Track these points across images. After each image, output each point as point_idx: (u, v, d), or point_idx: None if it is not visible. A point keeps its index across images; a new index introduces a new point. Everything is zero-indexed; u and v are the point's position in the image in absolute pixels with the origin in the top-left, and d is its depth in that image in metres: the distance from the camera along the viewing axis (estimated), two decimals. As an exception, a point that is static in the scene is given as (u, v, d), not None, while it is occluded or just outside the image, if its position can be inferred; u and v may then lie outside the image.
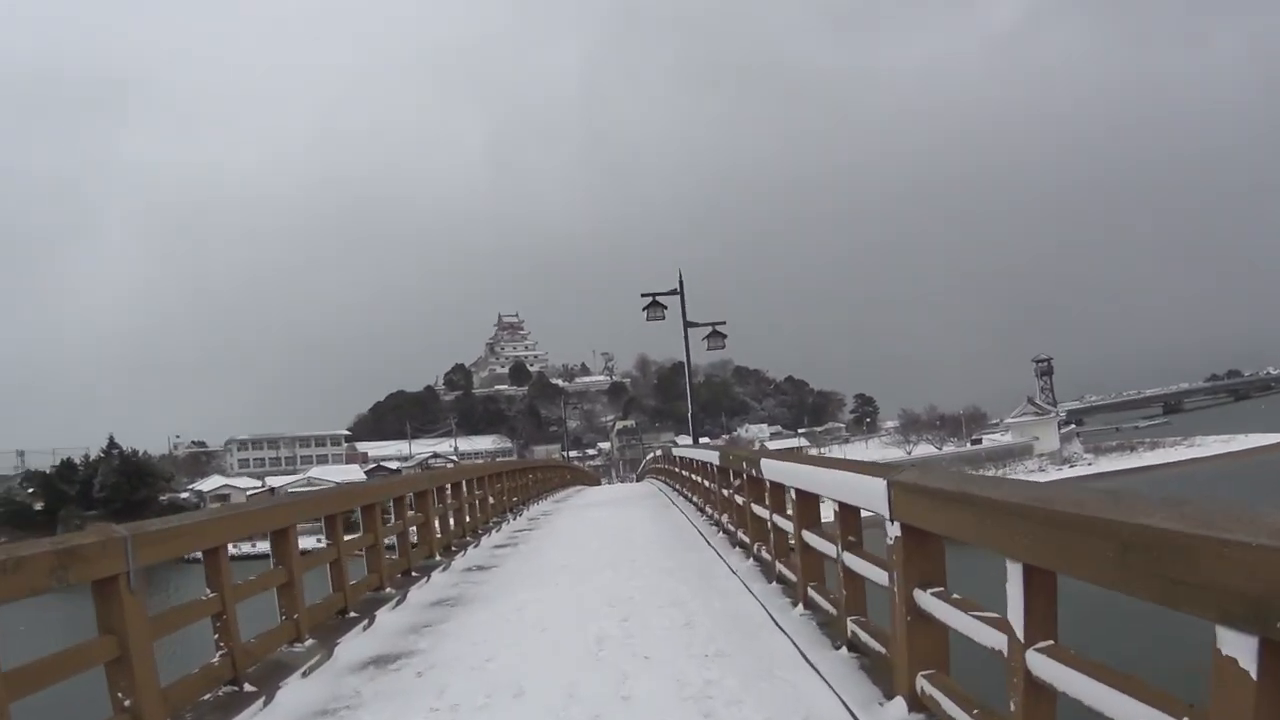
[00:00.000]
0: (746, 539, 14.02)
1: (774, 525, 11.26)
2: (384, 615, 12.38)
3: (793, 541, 10.51)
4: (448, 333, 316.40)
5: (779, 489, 11.33)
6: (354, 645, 10.64)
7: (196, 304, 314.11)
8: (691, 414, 37.55)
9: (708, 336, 35.89)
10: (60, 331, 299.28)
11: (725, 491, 16.47)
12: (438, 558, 17.08)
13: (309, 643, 10.28)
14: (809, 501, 9.53)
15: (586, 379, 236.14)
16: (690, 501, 25.19)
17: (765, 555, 12.51)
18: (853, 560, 7.84)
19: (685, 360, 35.67)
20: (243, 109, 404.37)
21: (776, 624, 9.92)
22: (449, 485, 21.54)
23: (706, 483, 20.32)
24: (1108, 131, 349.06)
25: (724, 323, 35.82)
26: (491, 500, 26.04)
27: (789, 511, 10.95)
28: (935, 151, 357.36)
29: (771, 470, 11.06)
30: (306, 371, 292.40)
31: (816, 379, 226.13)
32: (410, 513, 17.05)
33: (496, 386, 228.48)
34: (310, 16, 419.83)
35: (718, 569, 13.97)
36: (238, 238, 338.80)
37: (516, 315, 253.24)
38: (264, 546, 11.14)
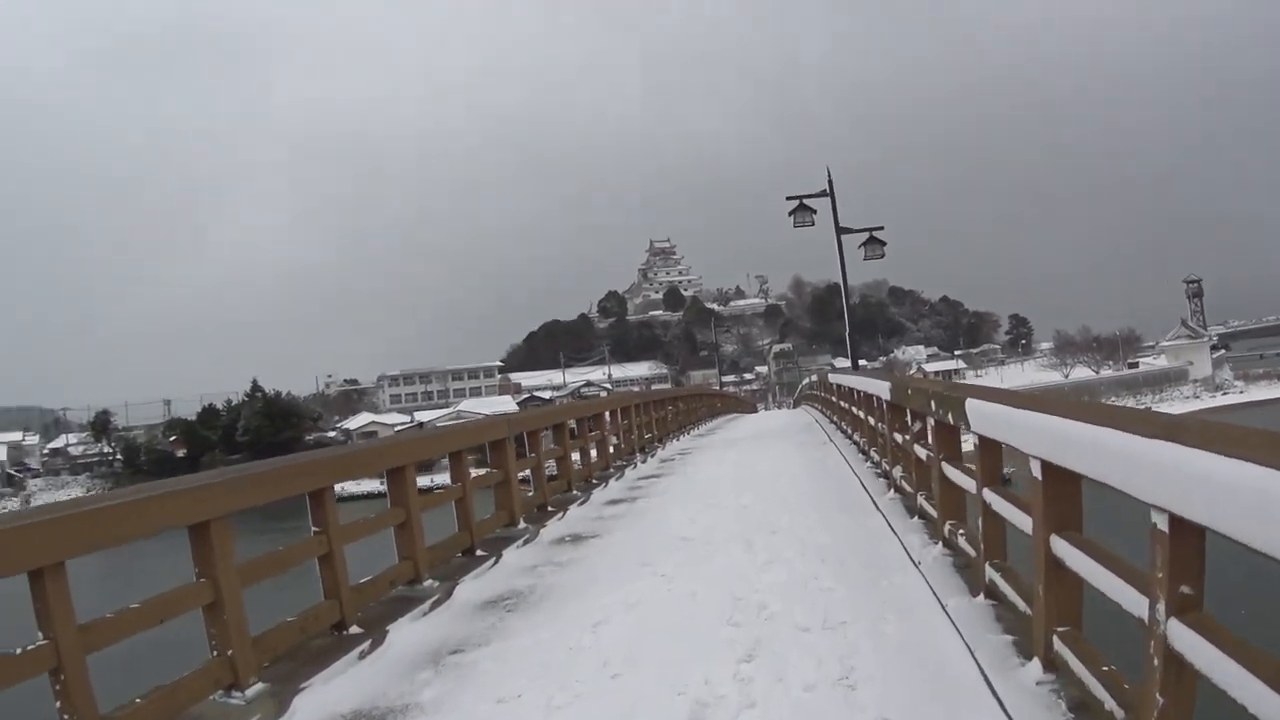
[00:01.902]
0: (932, 510, 9.87)
1: (988, 507, 6.96)
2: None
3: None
4: (601, 261, 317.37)
5: (992, 449, 7.00)
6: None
7: (349, 245, 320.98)
8: (848, 333, 33.05)
9: (864, 244, 31.25)
10: (216, 280, 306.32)
11: (899, 437, 12.33)
12: (521, 525, 13.36)
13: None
14: (1065, 485, 5.30)
15: (741, 302, 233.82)
16: (849, 439, 21.16)
17: (964, 544, 8.31)
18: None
19: (840, 269, 31.05)
20: (390, 45, 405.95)
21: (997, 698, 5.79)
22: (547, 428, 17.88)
23: (871, 419, 16.21)
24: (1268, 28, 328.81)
25: (881, 228, 31.28)
26: (616, 441, 22.51)
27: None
28: (1080, 58, 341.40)
29: (985, 418, 6.75)
30: (461, 305, 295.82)
31: (971, 299, 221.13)
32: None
33: (651, 312, 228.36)
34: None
35: (890, 555, 9.91)
36: (389, 176, 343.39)
37: (668, 240, 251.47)
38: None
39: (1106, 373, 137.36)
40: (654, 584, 9.61)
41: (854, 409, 19.88)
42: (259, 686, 6.71)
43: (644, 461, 22.83)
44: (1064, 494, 5.28)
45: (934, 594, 7.95)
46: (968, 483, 7.75)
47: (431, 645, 8.21)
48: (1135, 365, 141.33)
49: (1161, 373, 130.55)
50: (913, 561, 9.25)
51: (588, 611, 8.72)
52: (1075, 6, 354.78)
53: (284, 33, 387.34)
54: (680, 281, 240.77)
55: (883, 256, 31.01)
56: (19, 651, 5.22)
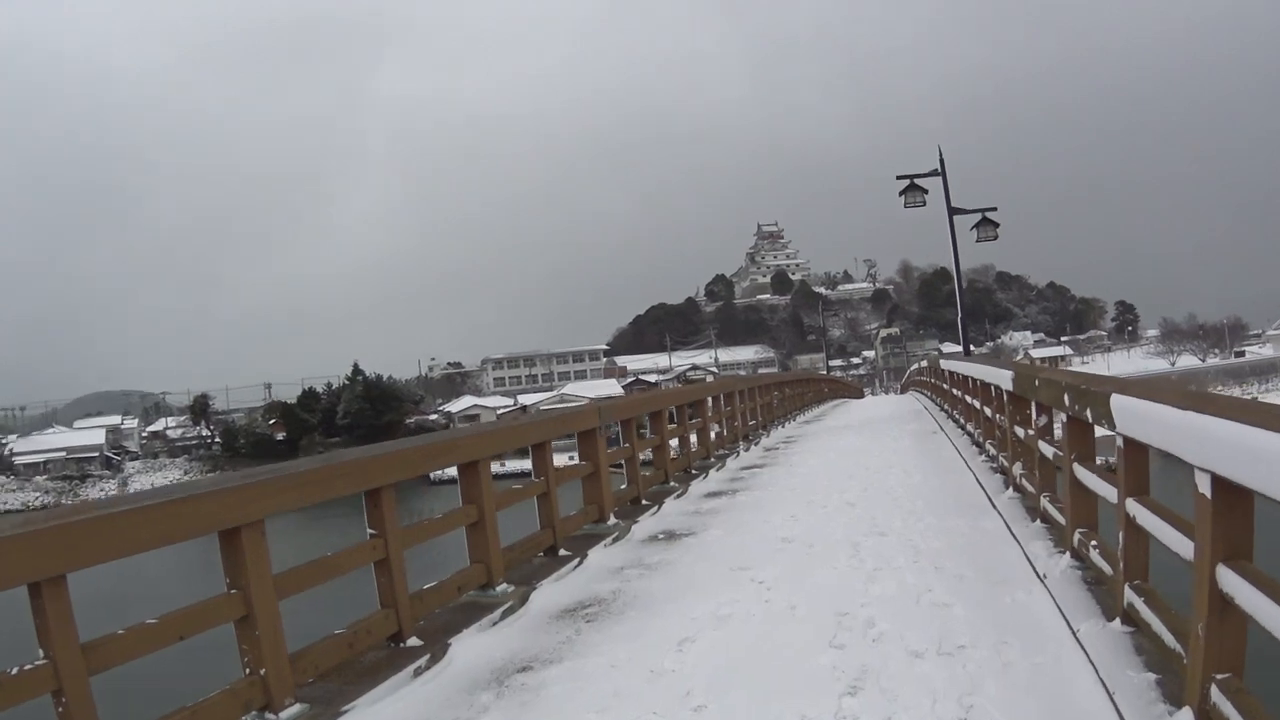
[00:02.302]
0: (1058, 515, 8.89)
1: (1132, 521, 5.99)
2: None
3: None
4: (707, 245, 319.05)
5: (1139, 454, 6.01)
6: None
7: (456, 229, 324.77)
8: (960, 318, 31.75)
9: (977, 225, 29.89)
10: (322, 266, 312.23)
11: (1020, 431, 11.32)
12: (611, 521, 12.63)
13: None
14: (1239, 505, 4.35)
15: (849, 286, 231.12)
16: (962, 428, 20.14)
17: (1097, 558, 7.28)
18: None
19: (952, 251, 29.78)
20: (494, 33, 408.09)
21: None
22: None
23: (987, 410, 15.16)
24: None
25: (994, 208, 29.87)
26: (718, 429, 21.70)
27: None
28: (1192, 31, 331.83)
29: (1137, 418, 5.70)
30: (567, 289, 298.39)
31: (1077, 285, 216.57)
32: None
33: (758, 296, 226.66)
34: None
35: (1011, 565, 8.91)
36: (495, 162, 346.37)
37: (776, 224, 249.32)
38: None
39: (1213, 361, 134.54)
40: (750, 594, 8.78)
41: (967, 397, 18.84)
42: (295, 709, 6.13)
43: (747, 450, 22.00)
44: (1236, 516, 4.34)
45: (1063, 616, 6.99)
46: (1105, 490, 6.78)
47: (497, 661, 7.49)
48: (1242, 354, 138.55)
49: (1269, 362, 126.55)
50: (1037, 575, 8.28)
51: (674, 626, 7.92)
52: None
53: (386, 25, 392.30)
54: (787, 265, 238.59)
55: (996, 238, 29.68)
56: (15, 671, 4.71)
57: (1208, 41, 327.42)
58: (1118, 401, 5.92)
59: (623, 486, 14.34)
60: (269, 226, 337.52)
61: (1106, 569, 6.84)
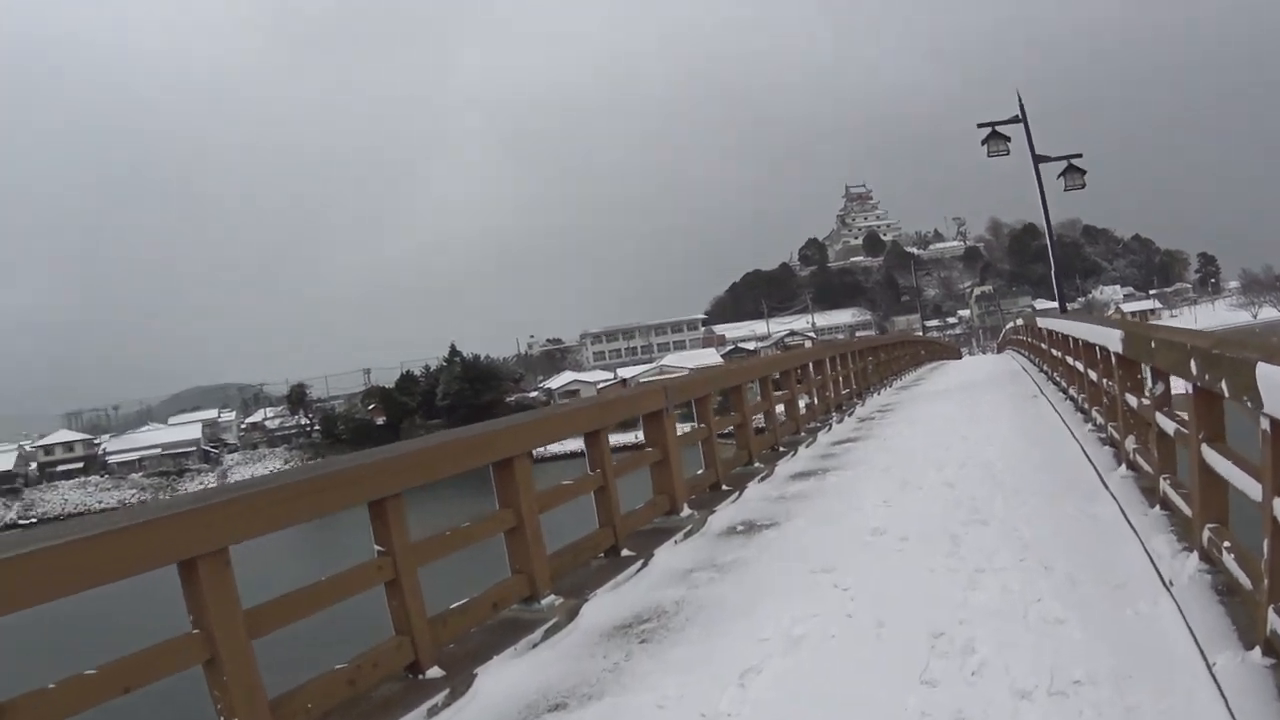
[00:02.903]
0: (1182, 504, 7.66)
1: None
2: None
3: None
4: (799, 209, 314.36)
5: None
6: None
7: (552, 205, 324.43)
8: (1054, 272, 30.08)
9: (1064, 173, 28.45)
10: (417, 248, 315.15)
11: (1132, 399, 10.06)
12: (685, 512, 11.61)
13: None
14: None
15: (940, 245, 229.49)
16: (1064, 392, 18.74)
17: (1231, 563, 6.04)
18: None
19: (1040, 200, 28.17)
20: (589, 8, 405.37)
21: None
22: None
23: (1092, 373, 13.83)
24: None
25: (1079, 155, 28.36)
26: (809, 400, 20.65)
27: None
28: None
29: None
30: (662, 261, 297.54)
31: (1160, 237, 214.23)
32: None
33: (851, 259, 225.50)
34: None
35: (1132, 566, 7.63)
36: (586, 135, 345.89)
37: (864, 185, 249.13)
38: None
39: None
40: (831, 604, 7.68)
41: (1068, 358, 17.51)
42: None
43: (840, 421, 20.85)
44: None
45: (1195, 640, 5.84)
46: (1246, 484, 5.61)
47: (528, 696, 6.53)
48: None
49: None
50: (1162, 580, 7.07)
51: (739, 649, 6.86)
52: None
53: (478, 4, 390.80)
54: (879, 226, 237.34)
55: (1083, 186, 28.14)
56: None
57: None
58: (1267, 372, 4.74)
59: (700, 472, 13.31)
60: (365, 211, 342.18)
61: (1243, 580, 5.66)
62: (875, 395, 27.44)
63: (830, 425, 20.01)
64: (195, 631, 5.23)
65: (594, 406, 11.18)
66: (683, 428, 12.84)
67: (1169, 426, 8.07)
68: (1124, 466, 10.56)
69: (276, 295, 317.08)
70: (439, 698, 6.37)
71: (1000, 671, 5.69)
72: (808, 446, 17.30)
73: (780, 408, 18.42)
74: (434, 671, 6.71)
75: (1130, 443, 10.35)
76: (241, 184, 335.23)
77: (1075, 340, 15.70)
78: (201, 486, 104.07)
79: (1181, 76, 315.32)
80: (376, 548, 6.72)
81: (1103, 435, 12.95)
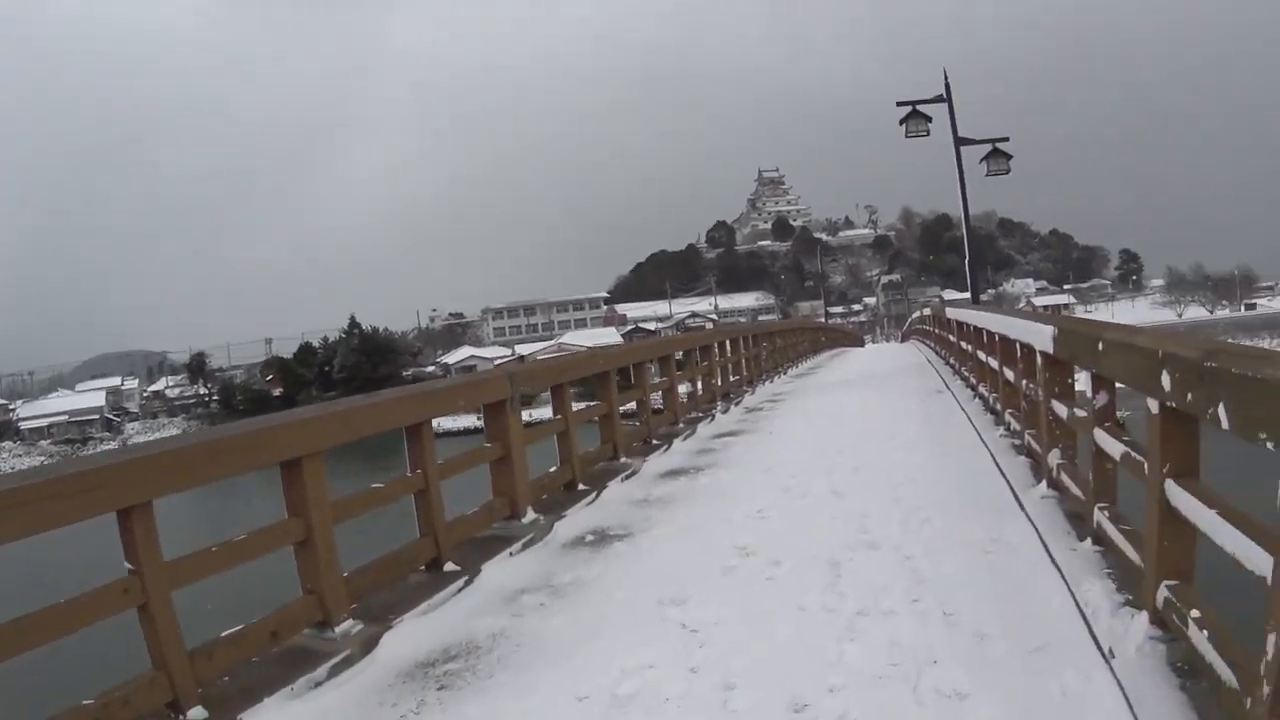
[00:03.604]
0: (1130, 549, 5.87)
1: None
2: None
3: None
4: (713, 190, 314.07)
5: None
6: None
7: (468, 181, 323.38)
8: (968, 260, 28.22)
9: (987, 158, 26.72)
10: (332, 221, 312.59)
11: (1061, 408, 8.33)
12: (529, 518, 9.88)
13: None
14: None
15: (850, 233, 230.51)
16: (973, 390, 17.14)
17: (1198, 634, 4.26)
18: None
19: (959, 185, 26.31)
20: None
21: None
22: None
23: (1008, 372, 12.16)
24: None
25: (1006, 139, 26.70)
26: (691, 388, 18.95)
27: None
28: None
29: None
30: (571, 237, 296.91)
31: (1081, 233, 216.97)
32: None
33: (759, 243, 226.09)
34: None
35: (1058, 619, 5.91)
36: (511, 109, 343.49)
37: (777, 170, 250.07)
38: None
39: (1222, 313, 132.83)
40: (674, 650, 6.06)
41: (980, 353, 15.90)
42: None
43: (725, 412, 19.07)
44: None
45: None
46: (1246, 550, 3.84)
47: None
48: (1253, 306, 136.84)
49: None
50: (1099, 648, 5.37)
51: (548, 709, 5.41)
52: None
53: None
54: (789, 212, 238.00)
55: (1008, 171, 26.41)
56: None
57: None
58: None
59: (552, 470, 11.55)
60: (285, 181, 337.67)
61: (1222, 670, 3.98)
62: (768, 383, 25.72)
63: (714, 416, 18.24)
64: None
65: (415, 395, 9.11)
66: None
67: (1114, 449, 6.33)
68: (1045, 484, 8.85)
69: (193, 263, 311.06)
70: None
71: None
72: (685, 440, 15.54)
73: (658, 395, 16.65)
74: (196, 713, 5.52)
75: (1055, 457, 8.65)
76: (166, 149, 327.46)
77: (989, 334, 14.04)
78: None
79: (1111, 74, 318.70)
80: (126, 565, 5.43)
81: (1017, 443, 11.32)
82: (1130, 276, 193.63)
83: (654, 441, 14.98)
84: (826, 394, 21.91)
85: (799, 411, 18.52)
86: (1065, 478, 8.24)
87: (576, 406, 12.27)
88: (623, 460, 13.26)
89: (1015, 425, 11.74)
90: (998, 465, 10.81)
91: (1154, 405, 4.92)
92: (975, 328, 16.34)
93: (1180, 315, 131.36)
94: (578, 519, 10.36)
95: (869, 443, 13.48)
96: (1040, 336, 8.54)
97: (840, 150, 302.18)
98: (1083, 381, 7.39)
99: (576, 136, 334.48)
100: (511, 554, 8.92)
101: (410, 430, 8.36)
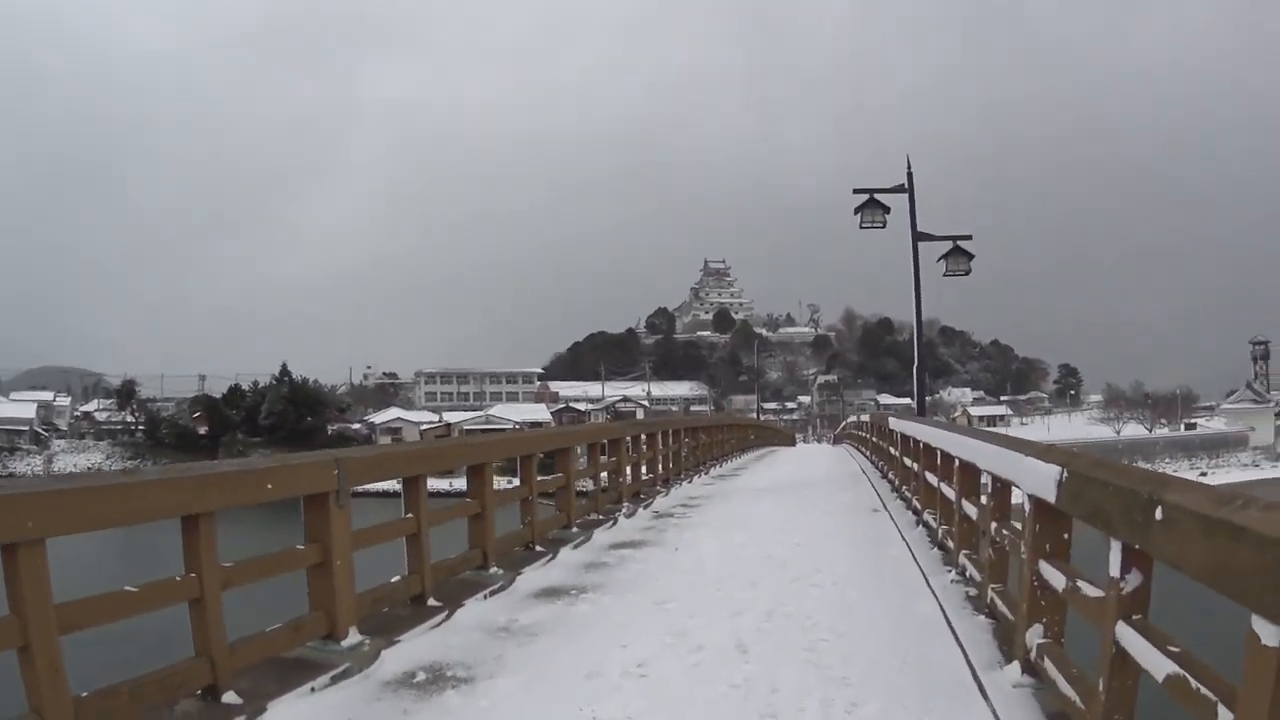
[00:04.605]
0: None
1: None
2: None
3: None
4: (655, 276, 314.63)
5: None
6: None
7: (412, 239, 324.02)
8: (916, 364, 25.72)
9: (947, 256, 24.74)
10: (292, 265, 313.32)
11: (1057, 575, 5.96)
12: (350, 641, 7.46)
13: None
14: None
15: (791, 330, 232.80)
16: (917, 516, 14.92)
17: None
18: None
19: (914, 280, 23.90)
20: (469, 50, 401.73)
21: None
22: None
23: (969, 508, 9.84)
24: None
25: (969, 236, 24.77)
26: (594, 485, 16.62)
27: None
28: (1150, 118, 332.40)
29: None
30: (513, 308, 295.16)
31: (1022, 345, 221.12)
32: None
33: (699, 332, 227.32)
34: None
35: None
36: (457, 175, 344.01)
37: (723, 262, 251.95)
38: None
39: (1161, 432, 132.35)
40: None
41: (928, 474, 13.62)
42: None
43: (631, 515, 16.63)
44: None
45: None
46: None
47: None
48: (1193, 426, 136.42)
49: (1220, 436, 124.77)
50: None
51: None
52: (1139, 59, 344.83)
53: (370, 27, 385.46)
54: (731, 304, 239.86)
55: (968, 272, 24.28)
56: None
57: (1178, 122, 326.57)
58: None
59: (395, 579, 9.22)
60: (249, 220, 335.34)
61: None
62: (686, 483, 23.35)
63: (616, 519, 15.77)
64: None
65: (188, 479, 6.68)
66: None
67: (1158, 666, 4.04)
68: (1019, 667, 6.51)
69: (150, 289, 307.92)
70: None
71: None
72: (576, 548, 13.10)
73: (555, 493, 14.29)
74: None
75: (1037, 634, 6.33)
76: (137, 181, 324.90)
77: (947, 456, 11.71)
78: (29, 467, 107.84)
79: (1058, 192, 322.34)
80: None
81: (973, 593, 9.10)
82: (1069, 391, 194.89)
83: (538, 548, 12.55)
84: (748, 502, 19.47)
85: (714, 523, 16.04)
86: (1051, 664, 5.92)
87: (435, 505, 9.85)
88: (493, 571, 10.83)
89: (973, 572, 9.45)
90: (950, 627, 8.42)
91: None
92: (925, 445, 13.99)
93: (1118, 432, 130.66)
94: (414, 647, 8.09)
95: (789, 574, 11.09)
96: (1041, 479, 6.15)
97: (790, 246, 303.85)
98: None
99: (534, 210, 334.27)
100: (314, 689, 6.80)
101: (186, 521, 6.33)
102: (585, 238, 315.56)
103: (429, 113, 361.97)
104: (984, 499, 8.91)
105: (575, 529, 14.20)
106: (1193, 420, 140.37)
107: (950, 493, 11.13)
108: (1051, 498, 5.84)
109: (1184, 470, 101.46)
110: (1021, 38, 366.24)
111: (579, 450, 15.77)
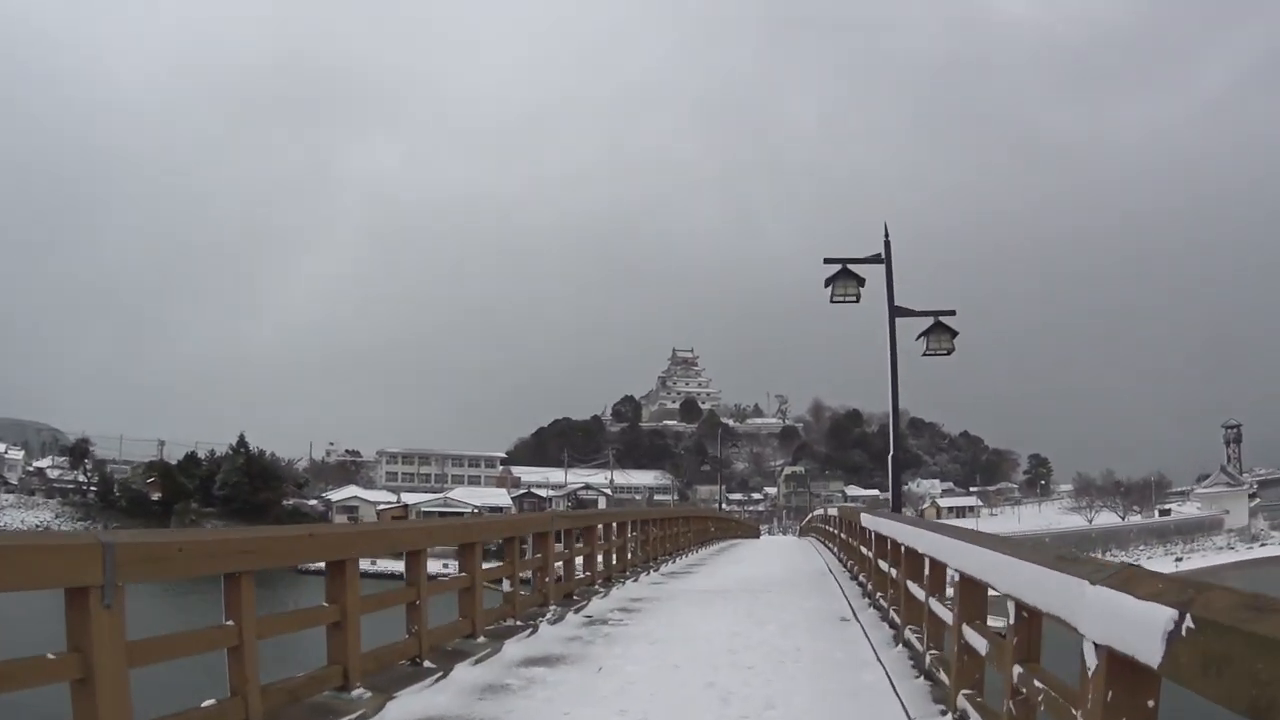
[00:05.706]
0: None
1: None
2: None
3: None
4: (623, 364, 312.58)
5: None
6: None
7: (379, 319, 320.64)
8: (892, 453, 23.40)
9: (928, 332, 22.45)
10: (261, 331, 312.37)
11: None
12: None
13: None
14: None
15: (758, 420, 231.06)
16: (897, 632, 12.39)
17: None
18: None
19: (890, 359, 21.58)
20: (444, 133, 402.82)
21: None
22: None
23: (971, 635, 7.40)
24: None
25: (952, 312, 22.66)
26: (512, 586, 14.19)
27: None
28: (1115, 188, 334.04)
29: None
30: (480, 393, 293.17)
31: (991, 436, 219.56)
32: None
33: (665, 421, 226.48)
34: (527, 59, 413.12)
35: None
36: (429, 258, 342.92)
37: (691, 350, 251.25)
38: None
39: (1134, 519, 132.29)
40: None
41: (911, 584, 11.22)
42: None
43: (556, 621, 14.10)
44: None
45: None
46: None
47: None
48: (1167, 512, 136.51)
49: (1195, 521, 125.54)
50: None
51: None
52: (1105, 136, 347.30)
53: (350, 103, 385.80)
54: (699, 394, 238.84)
55: (950, 351, 22.08)
56: None
57: (1143, 200, 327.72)
58: None
59: (206, 702, 6.87)
60: (217, 286, 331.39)
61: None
62: (631, 581, 20.77)
63: (538, 626, 13.25)
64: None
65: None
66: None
67: None
68: None
69: (115, 349, 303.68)
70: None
71: None
72: (475, 665, 10.57)
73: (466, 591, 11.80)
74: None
75: None
76: (107, 235, 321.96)
77: (936, 564, 9.28)
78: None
79: (1033, 287, 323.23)
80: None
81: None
82: (1039, 481, 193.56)
83: (426, 664, 10.07)
84: (697, 608, 16.75)
85: (653, 635, 13.36)
86: None
87: (263, 611, 7.43)
88: (355, 693, 8.41)
89: (970, 710, 7.02)
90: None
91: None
92: (907, 549, 11.46)
93: (1091, 521, 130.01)
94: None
95: (733, 713, 8.64)
96: (1112, 620, 3.70)
97: (759, 337, 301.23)
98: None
99: (501, 294, 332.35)
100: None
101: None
102: (553, 324, 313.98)
103: (402, 192, 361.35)
104: (1000, 626, 6.48)
105: (482, 639, 11.69)
106: (1166, 506, 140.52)
107: (945, 614, 8.66)
108: (1153, 659, 3.43)
109: (1159, 556, 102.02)
110: (991, 127, 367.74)
111: (491, 546, 13.33)
